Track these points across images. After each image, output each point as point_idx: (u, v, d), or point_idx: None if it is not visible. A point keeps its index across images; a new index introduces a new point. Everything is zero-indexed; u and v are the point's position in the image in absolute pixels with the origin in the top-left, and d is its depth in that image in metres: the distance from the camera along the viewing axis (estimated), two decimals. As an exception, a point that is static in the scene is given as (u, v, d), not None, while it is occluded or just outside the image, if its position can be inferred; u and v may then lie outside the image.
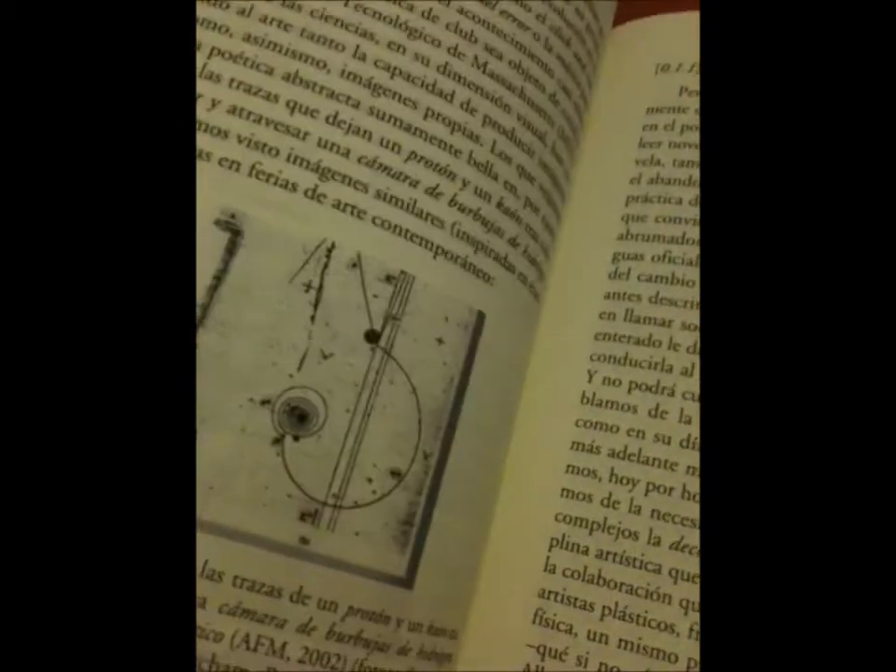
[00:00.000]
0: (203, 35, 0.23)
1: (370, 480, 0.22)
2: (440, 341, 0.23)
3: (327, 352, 0.22)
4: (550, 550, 0.27)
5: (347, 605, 0.21)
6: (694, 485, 0.26)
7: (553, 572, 0.26)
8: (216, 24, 0.23)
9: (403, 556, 0.22)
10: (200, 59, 0.23)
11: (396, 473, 0.22)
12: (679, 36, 0.31)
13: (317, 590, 0.21)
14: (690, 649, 0.25)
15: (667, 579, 0.25)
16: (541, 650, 0.26)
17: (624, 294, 0.29)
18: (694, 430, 0.26)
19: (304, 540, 0.21)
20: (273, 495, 0.21)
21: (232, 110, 0.22)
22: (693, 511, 0.25)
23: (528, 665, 0.26)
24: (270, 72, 0.23)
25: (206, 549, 0.20)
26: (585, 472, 0.27)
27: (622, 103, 0.31)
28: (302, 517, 0.21)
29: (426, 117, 0.24)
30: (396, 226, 0.23)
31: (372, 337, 0.22)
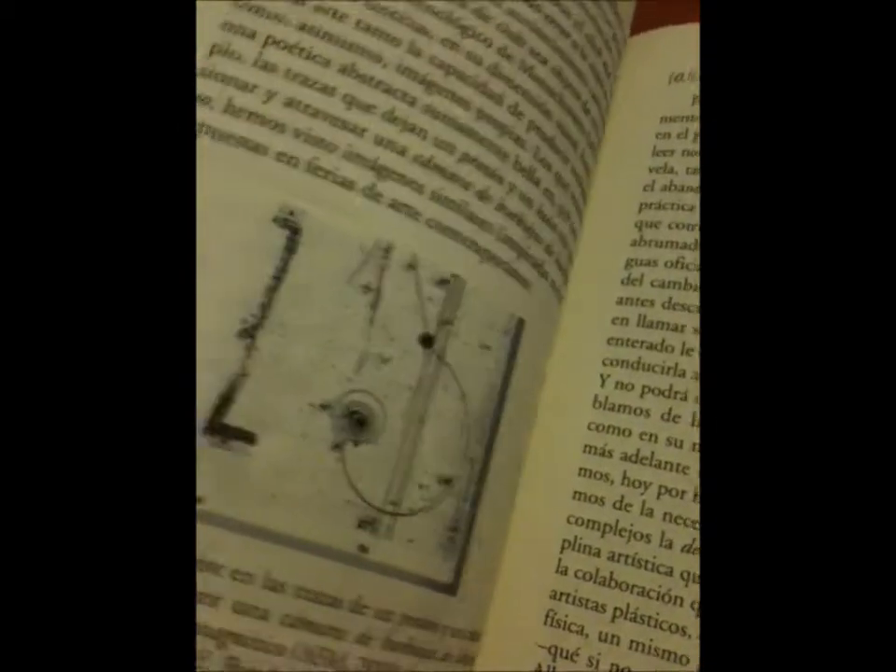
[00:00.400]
0: (256, 22, 0.22)
1: (422, 486, 0.22)
2: (486, 347, 0.23)
3: (385, 356, 0.21)
4: (562, 552, 0.27)
5: (401, 613, 0.21)
6: (707, 489, 0.26)
7: (566, 574, 0.27)
8: (270, 12, 0.22)
9: (449, 563, 0.22)
10: (255, 48, 0.22)
11: (445, 480, 0.22)
12: (691, 46, 0.31)
13: (374, 599, 0.21)
14: None
15: (679, 581, 0.26)
16: (553, 650, 0.26)
17: (637, 299, 0.29)
18: (706, 435, 0.27)
19: (363, 548, 0.21)
20: (332, 501, 0.20)
21: (289, 103, 0.21)
22: (706, 514, 0.26)
23: (540, 666, 0.26)
24: (326, 64, 0.22)
25: (268, 558, 0.20)
26: (598, 475, 0.28)
27: (636, 111, 0.31)
28: (361, 524, 0.21)
29: (477, 118, 0.23)
30: (448, 228, 0.23)
31: (427, 341, 0.22)
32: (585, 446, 0.28)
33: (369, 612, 0.21)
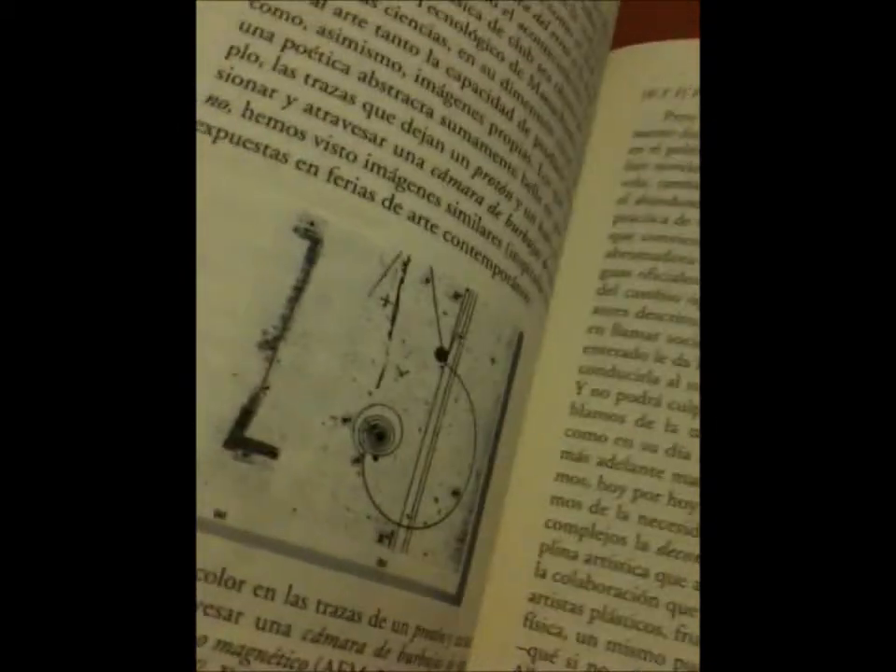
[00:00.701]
0: (274, 24, 0.21)
1: (436, 499, 0.22)
2: (493, 360, 0.23)
3: (402, 369, 0.21)
4: (541, 555, 0.28)
5: (415, 625, 0.21)
6: (680, 492, 0.27)
7: (544, 577, 0.27)
8: (289, 14, 0.21)
9: (456, 573, 0.23)
10: (273, 51, 0.21)
11: (456, 492, 0.22)
12: (666, 63, 0.32)
13: (392, 612, 0.21)
14: (676, 650, 0.26)
15: (654, 582, 0.27)
16: (532, 652, 0.27)
17: (612, 309, 0.30)
18: (680, 439, 0.28)
19: (382, 562, 0.21)
20: (353, 516, 0.20)
21: (309, 109, 0.21)
22: (679, 516, 0.27)
23: (520, 667, 0.26)
24: (346, 70, 0.21)
25: (290, 573, 0.20)
26: (575, 480, 0.28)
27: (610, 127, 0.32)
28: (380, 539, 0.21)
29: (490, 132, 0.23)
30: (463, 242, 0.23)
31: (442, 355, 0.22)
32: (563, 452, 0.29)
33: (386, 626, 0.21)
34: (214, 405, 0.19)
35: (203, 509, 0.19)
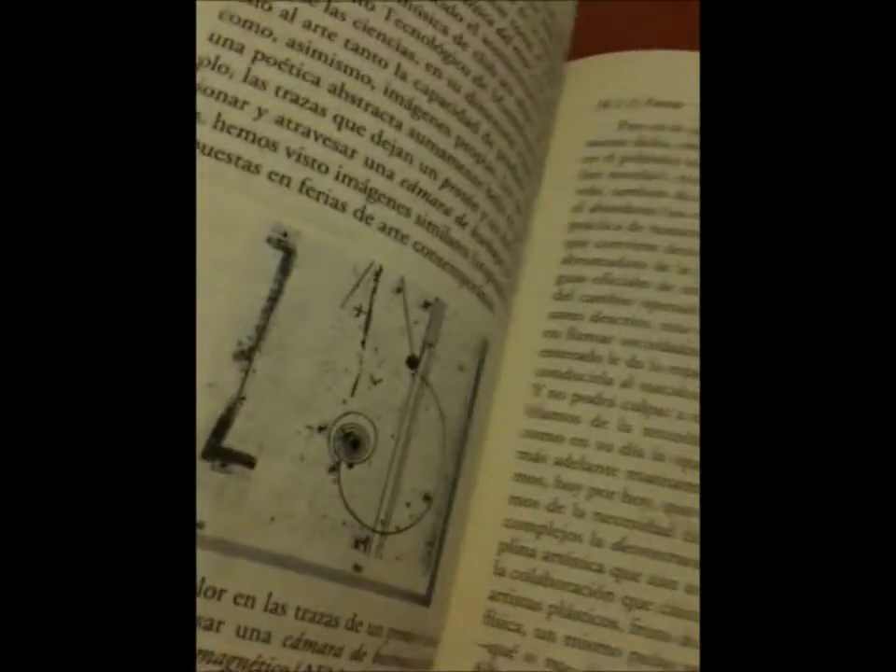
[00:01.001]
0: (245, 36, 0.21)
1: (408, 504, 0.22)
2: (461, 367, 0.24)
3: (376, 377, 0.22)
4: (499, 554, 0.28)
5: (389, 627, 0.22)
6: (634, 489, 0.28)
7: (503, 575, 0.28)
8: (259, 27, 0.22)
9: (426, 575, 0.23)
10: (244, 62, 0.21)
11: (427, 497, 0.23)
12: (620, 74, 0.33)
13: (367, 616, 0.21)
14: (632, 643, 0.27)
15: (609, 577, 0.28)
16: (492, 649, 0.27)
17: (568, 313, 0.31)
18: (633, 438, 0.29)
19: (357, 568, 0.21)
20: (329, 523, 0.21)
21: (280, 121, 0.21)
22: (633, 512, 0.28)
23: (479, 665, 0.27)
24: (316, 82, 0.22)
25: (269, 581, 0.20)
26: (532, 480, 0.29)
27: (566, 136, 0.33)
28: (356, 544, 0.21)
29: (456, 145, 0.24)
30: (432, 252, 0.23)
31: (413, 363, 0.23)
32: (521, 453, 0.29)
33: (362, 629, 0.21)
34: (191, 416, 0.19)
35: (183, 519, 0.19)
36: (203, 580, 0.19)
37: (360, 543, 0.21)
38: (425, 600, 0.23)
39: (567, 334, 0.31)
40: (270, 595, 0.20)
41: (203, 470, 0.19)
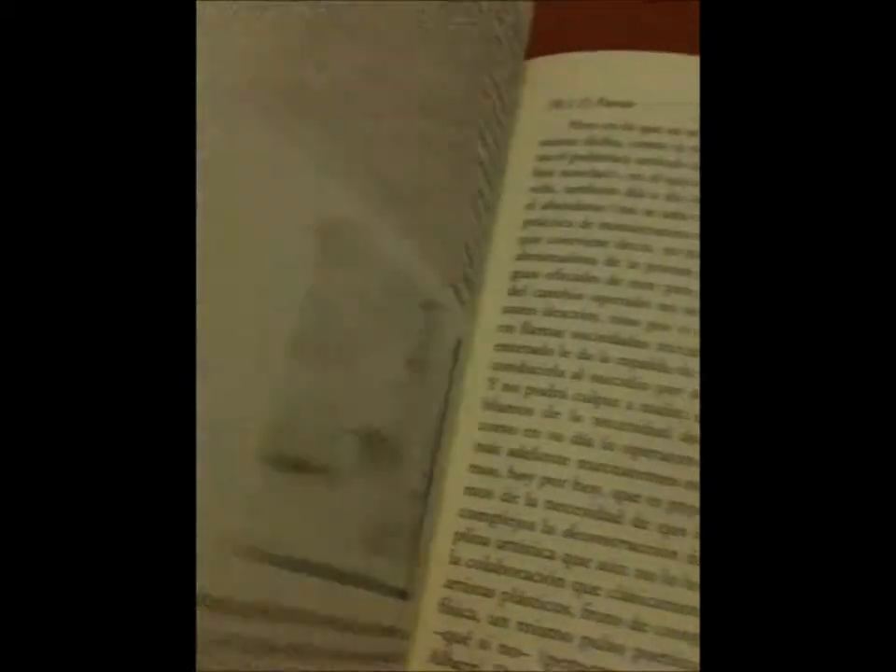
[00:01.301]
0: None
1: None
2: (442, 367, 0.24)
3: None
4: (455, 543, 0.29)
5: (373, 623, 0.22)
6: (584, 477, 0.29)
7: (458, 564, 0.29)
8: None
9: (406, 570, 0.23)
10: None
11: (412, 494, 0.23)
12: (571, 74, 0.34)
13: (350, 613, 0.21)
14: (583, 628, 0.28)
15: (560, 564, 0.29)
16: (447, 636, 0.28)
17: (522, 308, 0.32)
18: (583, 427, 0.30)
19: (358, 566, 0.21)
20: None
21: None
22: (583, 500, 0.29)
23: (435, 652, 0.28)
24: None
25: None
26: (487, 471, 0.30)
27: (520, 135, 0.33)
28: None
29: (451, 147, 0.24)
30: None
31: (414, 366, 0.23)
32: (476, 444, 0.30)
33: (343, 625, 0.21)
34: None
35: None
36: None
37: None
38: (403, 594, 0.23)
39: (522, 328, 0.31)
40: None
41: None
